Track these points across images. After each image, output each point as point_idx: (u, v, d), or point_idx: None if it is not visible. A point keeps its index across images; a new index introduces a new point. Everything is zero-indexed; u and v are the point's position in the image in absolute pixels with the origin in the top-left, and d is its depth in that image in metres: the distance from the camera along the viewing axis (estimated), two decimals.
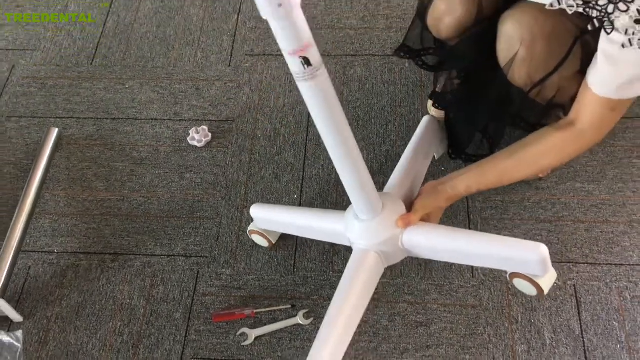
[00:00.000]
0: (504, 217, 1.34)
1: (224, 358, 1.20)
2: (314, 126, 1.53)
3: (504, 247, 1.07)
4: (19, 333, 1.21)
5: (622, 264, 1.26)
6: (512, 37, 1.09)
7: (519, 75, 1.12)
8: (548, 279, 1.10)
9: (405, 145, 1.36)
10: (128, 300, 1.28)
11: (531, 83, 1.12)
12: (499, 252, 1.07)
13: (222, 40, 1.68)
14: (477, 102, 1.25)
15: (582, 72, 1.01)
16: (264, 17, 0.75)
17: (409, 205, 1.12)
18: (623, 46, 0.89)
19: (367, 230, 1.08)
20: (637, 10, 0.84)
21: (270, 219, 1.27)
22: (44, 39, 1.73)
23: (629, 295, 1.22)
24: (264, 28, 1.69)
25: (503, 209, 1.34)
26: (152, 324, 1.25)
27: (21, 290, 1.30)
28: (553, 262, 1.26)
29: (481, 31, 1.17)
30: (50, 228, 1.39)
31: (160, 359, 1.21)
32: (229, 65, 1.63)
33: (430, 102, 1.48)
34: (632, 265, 1.26)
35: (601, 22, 0.90)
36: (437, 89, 1.37)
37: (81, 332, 1.25)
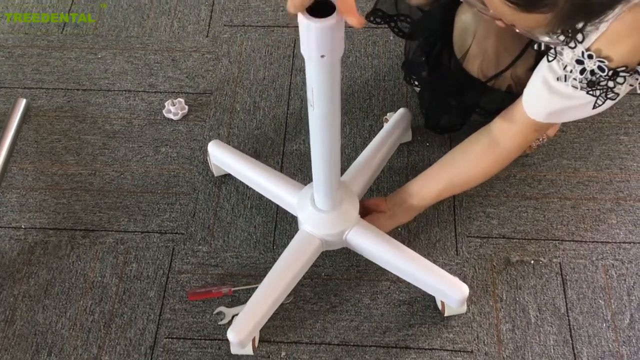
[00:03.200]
0: (489, 193, 1.30)
1: (199, 337, 1.16)
2: (295, 100, 1.48)
3: (431, 276, 1.10)
4: None
5: (608, 242, 1.24)
6: (466, 30, 1.08)
7: (471, 68, 1.13)
8: (455, 310, 1.15)
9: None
10: (99, 278, 1.23)
11: (484, 77, 1.11)
12: (426, 278, 1.11)
13: (200, 9, 1.62)
14: (439, 85, 1.23)
15: (534, 69, 0.98)
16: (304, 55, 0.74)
17: (364, 194, 1.20)
18: (558, 79, 0.87)
19: (319, 220, 1.10)
20: (582, 52, 0.82)
21: (226, 162, 1.25)
22: (11, 6, 1.64)
23: (615, 274, 1.20)
24: None
25: (488, 185, 1.31)
26: (124, 302, 1.20)
27: None
28: (539, 240, 1.24)
29: (450, 2, 1.14)
30: (17, 203, 1.32)
31: (133, 338, 1.16)
32: (207, 36, 1.57)
33: None
34: (619, 243, 1.23)
35: (548, 46, 0.87)
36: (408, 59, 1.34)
37: (50, 310, 1.19)
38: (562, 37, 0.82)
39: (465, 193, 1.30)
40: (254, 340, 1.11)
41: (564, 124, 1.37)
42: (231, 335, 1.05)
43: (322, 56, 0.72)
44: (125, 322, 1.18)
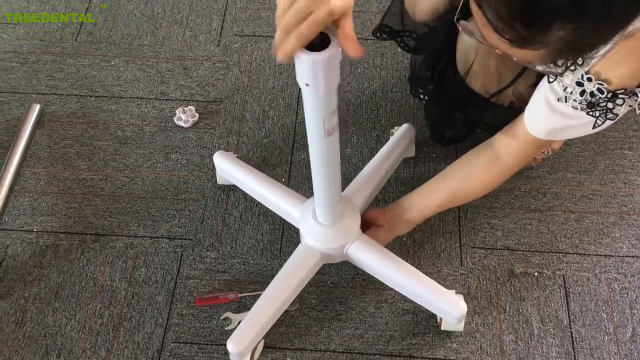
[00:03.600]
0: (494, 205, 1.32)
1: (206, 342, 1.17)
2: (303, 109, 1.50)
3: (430, 293, 1.11)
4: None
5: (611, 255, 1.25)
6: (469, 48, 1.10)
7: (474, 85, 1.14)
8: (453, 326, 1.16)
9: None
10: (109, 282, 1.25)
11: (486, 93, 1.13)
12: (424, 294, 1.12)
13: (212, 19, 1.64)
14: (444, 100, 1.25)
15: (536, 85, 1.00)
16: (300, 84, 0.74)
17: (366, 207, 1.21)
18: (558, 100, 0.89)
19: (321, 234, 1.11)
20: (582, 75, 0.84)
21: (230, 172, 1.28)
22: (27, 13, 1.68)
23: (618, 287, 1.21)
24: (255, 8, 1.65)
25: (493, 197, 1.33)
26: (133, 306, 1.22)
27: None
28: (543, 252, 1.26)
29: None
30: (29, 206, 1.35)
31: (141, 342, 1.18)
32: (218, 45, 1.59)
33: None
34: (622, 256, 1.25)
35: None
36: (414, 72, 1.36)
37: (60, 313, 1.21)
38: (558, 69, 0.84)
39: (470, 204, 1.32)
40: (253, 351, 1.12)
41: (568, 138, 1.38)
42: (230, 346, 1.07)
43: (307, 85, 0.72)
44: (134, 325, 1.20)
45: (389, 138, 1.34)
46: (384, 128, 1.43)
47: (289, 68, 1.53)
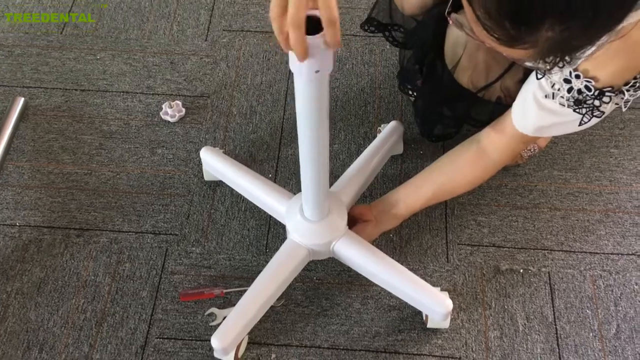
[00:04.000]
0: (480, 202, 1.32)
1: (190, 338, 1.17)
2: (292, 105, 1.50)
3: (416, 290, 1.11)
4: None
5: (596, 253, 1.25)
6: (457, 42, 1.10)
7: (461, 79, 1.15)
8: (438, 323, 1.15)
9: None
10: (92, 277, 1.23)
11: (474, 88, 1.13)
12: (410, 292, 1.11)
13: (199, 14, 1.63)
14: (433, 94, 1.25)
15: (524, 81, 0.99)
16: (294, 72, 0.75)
17: (353, 204, 1.21)
18: (546, 96, 0.89)
19: (307, 230, 1.11)
20: (570, 72, 0.84)
21: (217, 168, 1.27)
22: (12, 6, 1.66)
23: (603, 284, 1.22)
24: (243, 3, 1.64)
25: (480, 194, 1.33)
26: (117, 301, 1.21)
27: None
28: (528, 249, 1.26)
29: (443, 12, 1.16)
30: (12, 200, 1.33)
31: (124, 337, 1.17)
32: (206, 40, 1.58)
33: None
34: (607, 254, 1.25)
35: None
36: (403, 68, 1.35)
37: (42, 308, 1.20)
38: (546, 66, 0.84)
39: (457, 201, 1.32)
40: (238, 347, 1.11)
41: (555, 136, 1.39)
42: (215, 341, 1.06)
43: (317, 71, 0.74)
44: (117, 321, 1.18)
45: (376, 135, 1.34)
46: (371, 125, 1.43)
47: (277, 64, 1.52)
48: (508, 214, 1.30)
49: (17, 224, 1.30)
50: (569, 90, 0.86)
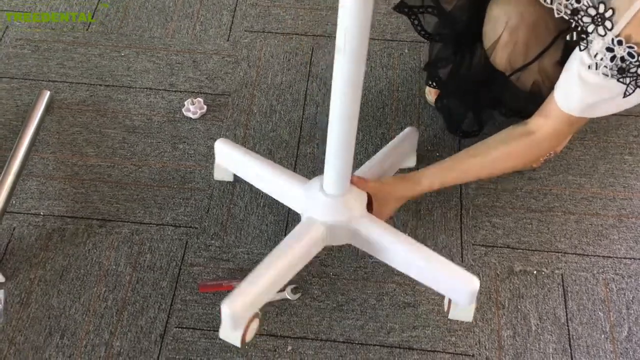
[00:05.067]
0: (495, 204, 1.34)
1: (208, 328, 1.19)
2: (311, 105, 1.52)
3: (440, 269, 1.07)
4: (0, 293, 1.19)
5: (609, 256, 1.27)
6: (498, 20, 1.10)
7: (500, 59, 1.14)
8: (461, 311, 1.11)
9: (401, 129, 1.37)
10: (114, 267, 1.26)
11: (511, 69, 1.13)
12: (434, 271, 1.08)
13: (222, 14, 1.67)
14: (464, 82, 1.26)
15: (562, 64, 1.01)
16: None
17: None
18: (589, 67, 0.90)
19: (327, 205, 1.08)
20: (612, 39, 0.85)
21: (232, 157, 1.27)
22: (39, 2, 1.70)
23: (615, 287, 1.23)
24: (265, 5, 1.68)
25: (495, 196, 1.35)
26: (137, 291, 1.23)
27: (4, 251, 1.28)
28: (542, 251, 1.28)
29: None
30: (37, 190, 1.36)
31: (144, 326, 1.19)
32: (228, 40, 1.61)
33: (427, 89, 1.49)
34: (620, 258, 1.27)
35: (580, 36, 0.91)
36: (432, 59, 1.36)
37: (64, 295, 1.23)
38: (588, 25, 0.83)
39: (472, 203, 1.34)
40: (247, 327, 1.08)
41: (570, 141, 1.41)
42: (224, 307, 1.02)
43: None
44: (137, 310, 1.21)
45: (393, 136, 1.36)
46: (389, 126, 1.46)
47: (297, 64, 1.56)
48: (522, 216, 1.32)
49: (42, 214, 1.33)
50: (612, 58, 0.86)
